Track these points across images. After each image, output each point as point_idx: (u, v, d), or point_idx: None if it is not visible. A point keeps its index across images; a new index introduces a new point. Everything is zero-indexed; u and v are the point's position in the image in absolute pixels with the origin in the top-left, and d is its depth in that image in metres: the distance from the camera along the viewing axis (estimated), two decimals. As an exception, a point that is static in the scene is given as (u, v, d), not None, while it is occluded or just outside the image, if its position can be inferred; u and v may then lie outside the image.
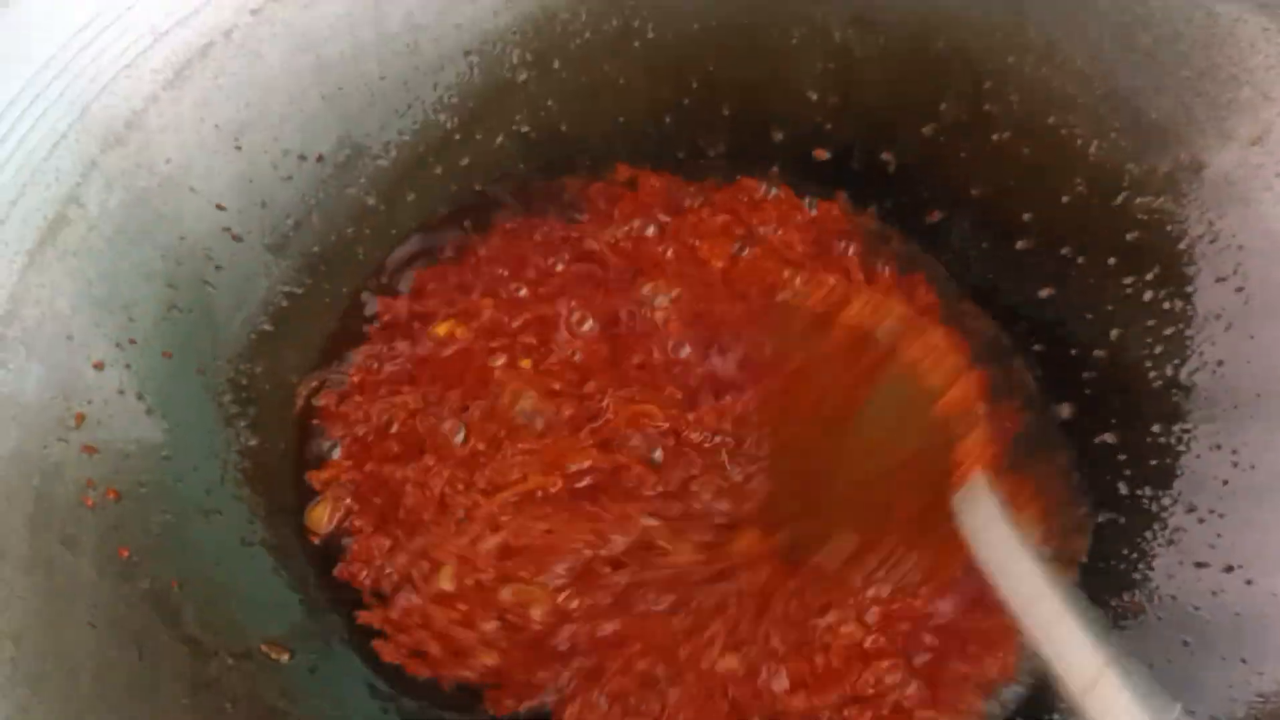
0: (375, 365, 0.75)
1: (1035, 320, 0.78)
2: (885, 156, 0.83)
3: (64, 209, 0.62)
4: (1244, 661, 0.62)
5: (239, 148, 0.70)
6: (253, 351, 0.72)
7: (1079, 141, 0.74)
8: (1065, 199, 0.76)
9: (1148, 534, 0.70)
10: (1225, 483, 0.67)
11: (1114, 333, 0.74)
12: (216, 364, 0.70)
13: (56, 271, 0.61)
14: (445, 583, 0.67)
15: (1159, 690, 0.45)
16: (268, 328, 0.73)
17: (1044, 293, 0.78)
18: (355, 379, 0.75)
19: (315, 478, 0.72)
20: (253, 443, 0.71)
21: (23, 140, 0.60)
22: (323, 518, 0.71)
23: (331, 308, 0.77)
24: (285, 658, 0.65)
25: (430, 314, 0.76)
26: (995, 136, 0.78)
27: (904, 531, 0.58)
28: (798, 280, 0.64)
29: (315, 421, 0.75)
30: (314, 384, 0.76)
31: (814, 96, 0.82)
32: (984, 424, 0.53)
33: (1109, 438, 0.73)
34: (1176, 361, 0.70)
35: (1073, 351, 0.76)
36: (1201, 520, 0.68)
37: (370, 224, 0.78)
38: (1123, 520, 0.71)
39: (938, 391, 0.53)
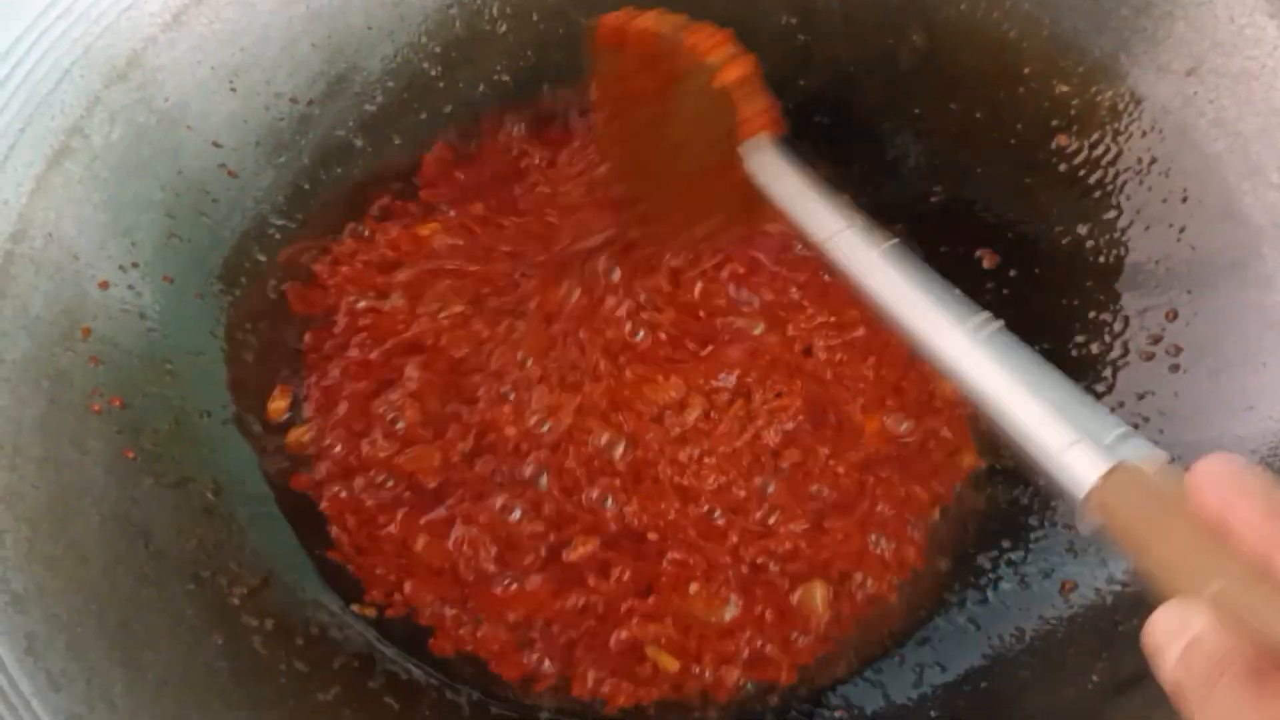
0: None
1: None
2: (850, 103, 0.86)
3: (69, 139, 0.66)
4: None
5: (234, 89, 0.74)
6: (248, 280, 0.76)
7: (1028, 81, 0.78)
8: (1013, 140, 0.80)
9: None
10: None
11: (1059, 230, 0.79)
12: (214, 289, 0.74)
13: (62, 197, 0.65)
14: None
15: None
16: (261, 258, 0.77)
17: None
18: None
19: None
20: (247, 362, 0.75)
21: (30, 73, 0.64)
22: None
23: (319, 241, 0.81)
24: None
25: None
26: (950, 80, 0.81)
27: (707, 198, 0.71)
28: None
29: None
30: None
31: (779, 47, 0.86)
32: (761, 93, 0.63)
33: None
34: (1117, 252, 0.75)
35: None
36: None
37: (358, 163, 0.82)
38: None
39: (715, 68, 0.63)
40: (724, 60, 0.64)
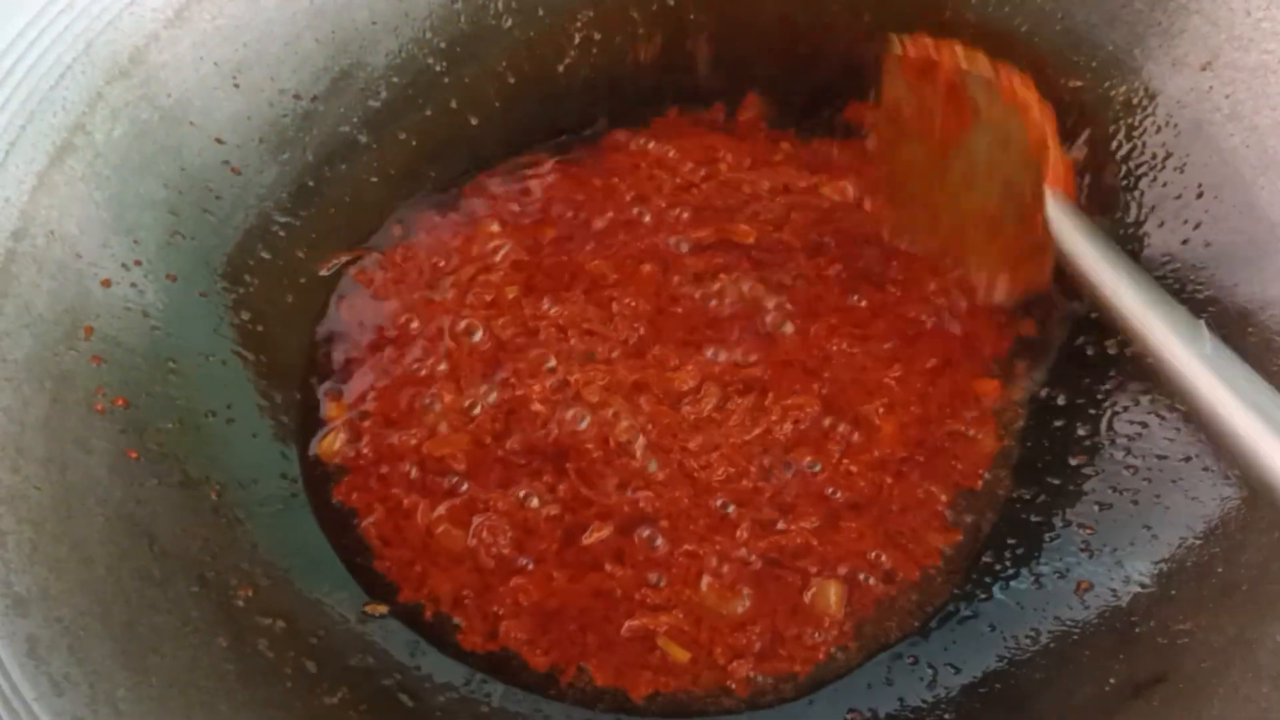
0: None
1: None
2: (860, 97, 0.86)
3: (71, 136, 0.65)
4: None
5: (237, 86, 0.73)
6: (252, 278, 0.75)
7: (1041, 76, 0.77)
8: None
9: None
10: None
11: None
12: (218, 288, 0.73)
13: (65, 194, 0.64)
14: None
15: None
16: (265, 256, 0.77)
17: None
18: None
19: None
20: (253, 362, 0.74)
21: (31, 70, 0.64)
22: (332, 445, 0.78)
23: (324, 238, 0.80)
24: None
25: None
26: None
27: (988, 242, 0.72)
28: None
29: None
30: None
31: (793, 42, 0.85)
32: (1062, 150, 0.64)
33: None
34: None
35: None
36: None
37: (362, 160, 0.81)
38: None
39: (1026, 124, 0.64)
40: (1035, 110, 0.64)
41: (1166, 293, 0.59)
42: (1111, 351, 0.75)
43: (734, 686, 0.72)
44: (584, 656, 0.72)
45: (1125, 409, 0.73)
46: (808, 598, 0.72)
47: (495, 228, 0.85)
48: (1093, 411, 0.74)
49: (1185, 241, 0.71)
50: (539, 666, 0.72)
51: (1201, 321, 0.57)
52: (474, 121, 0.86)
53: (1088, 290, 0.62)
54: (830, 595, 0.72)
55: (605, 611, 0.72)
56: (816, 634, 0.72)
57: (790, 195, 0.86)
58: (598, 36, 0.85)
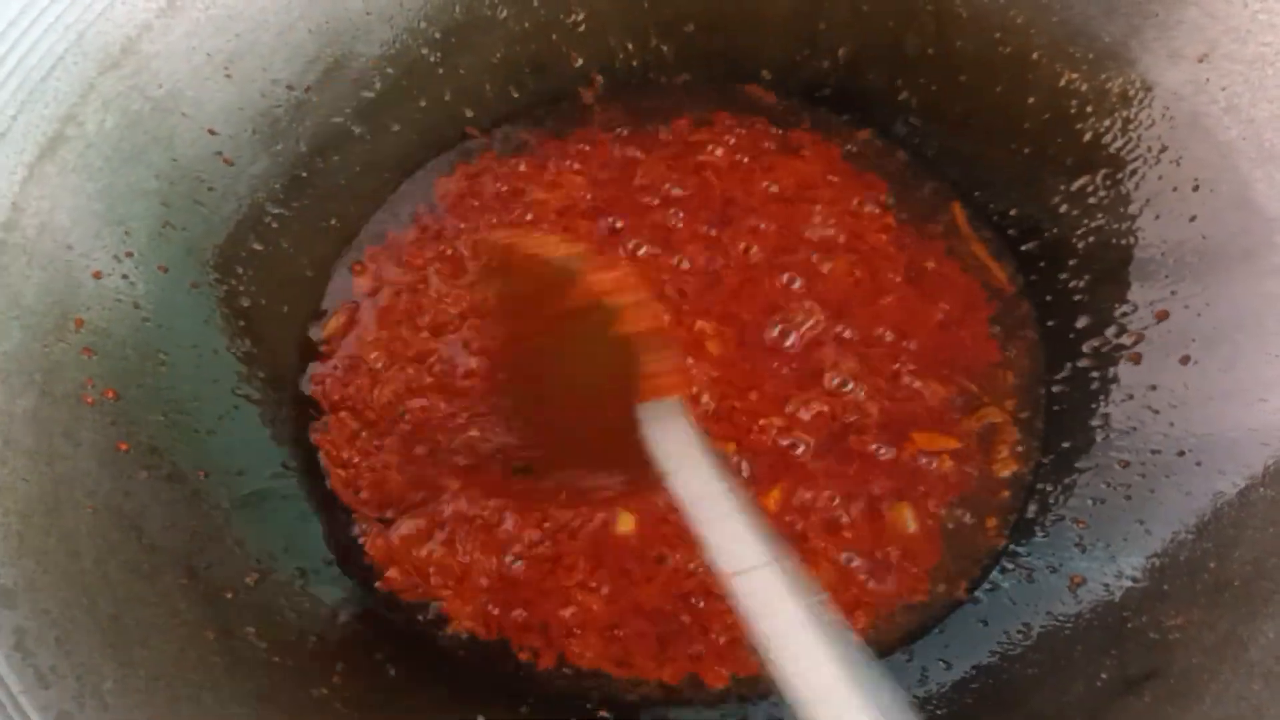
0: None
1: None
2: (861, 84, 0.85)
3: (63, 127, 0.65)
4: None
5: (229, 76, 0.73)
6: (244, 269, 0.75)
7: (1038, 66, 0.76)
8: (1021, 126, 0.78)
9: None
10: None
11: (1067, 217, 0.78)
12: (210, 279, 0.73)
13: (56, 185, 0.64)
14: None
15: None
16: (257, 247, 0.76)
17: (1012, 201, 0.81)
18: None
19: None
20: (244, 352, 0.74)
21: (23, 59, 0.63)
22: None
23: (316, 229, 0.80)
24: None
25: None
26: (958, 65, 0.80)
27: (603, 449, 0.60)
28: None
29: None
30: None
31: (788, 32, 0.85)
32: (671, 348, 0.53)
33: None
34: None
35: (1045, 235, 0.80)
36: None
37: (355, 152, 0.81)
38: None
39: (618, 316, 0.53)
40: (627, 304, 0.53)
41: (771, 541, 0.48)
42: (1108, 345, 0.74)
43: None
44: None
45: (1119, 403, 0.72)
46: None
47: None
48: (1090, 404, 0.74)
49: (1181, 235, 0.71)
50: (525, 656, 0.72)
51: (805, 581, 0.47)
52: (469, 113, 0.85)
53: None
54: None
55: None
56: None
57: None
58: (593, 28, 0.84)
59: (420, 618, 0.74)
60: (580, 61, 0.87)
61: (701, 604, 0.72)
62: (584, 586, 0.73)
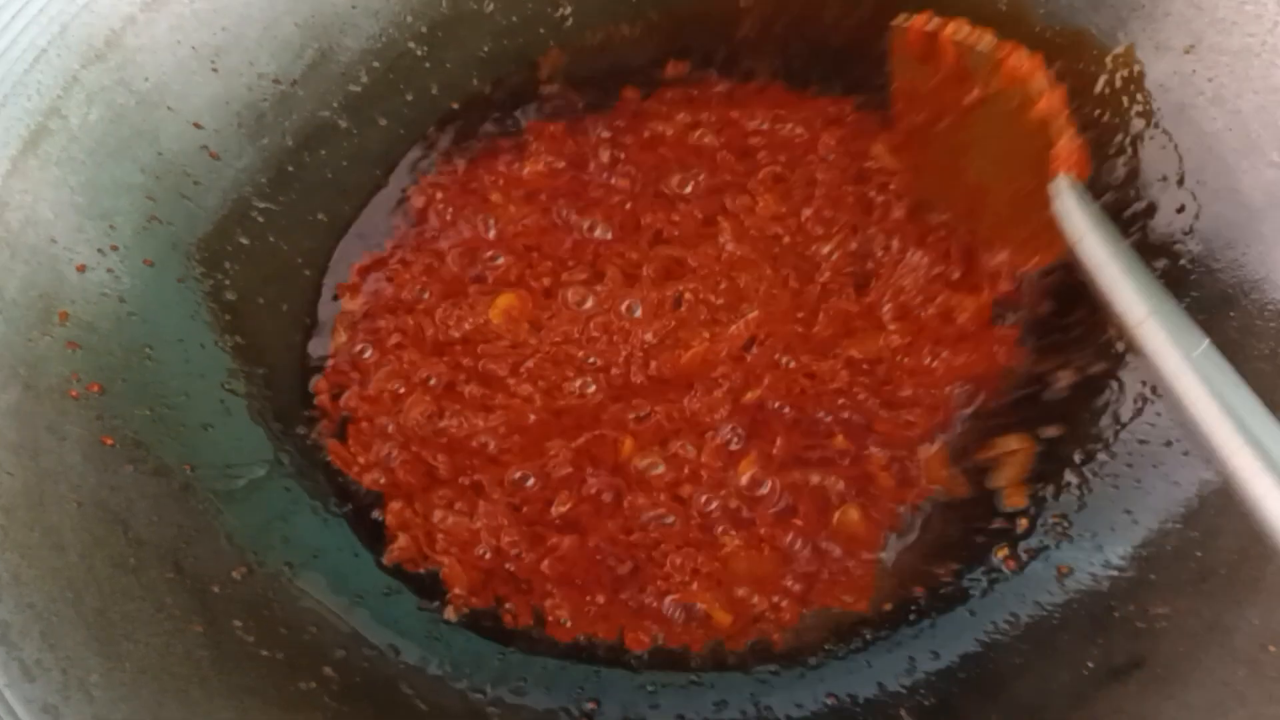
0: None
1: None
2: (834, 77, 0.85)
3: (46, 120, 0.65)
4: None
5: (215, 70, 0.73)
6: (230, 264, 0.75)
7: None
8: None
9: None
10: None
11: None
12: (195, 273, 0.73)
13: (39, 179, 0.64)
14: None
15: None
16: (244, 241, 0.76)
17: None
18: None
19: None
20: (230, 348, 0.74)
21: (4, 53, 0.63)
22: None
23: (303, 224, 0.80)
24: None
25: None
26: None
27: (1008, 221, 0.71)
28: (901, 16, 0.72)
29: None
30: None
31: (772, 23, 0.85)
32: (1073, 129, 0.62)
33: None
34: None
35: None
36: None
37: (342, 145, 0.81)
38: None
39: (1031, 100, 0.62)
40: (1041, 89, 0.63)
41: (1165, 291, 0.57)
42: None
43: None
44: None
45: (1107, 394, 0.72)
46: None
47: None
48: (1077, 394, 0.74)
49: (1168, 225, 0.71)
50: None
51: (1197, 327, 0.55)
52: (455, 106, 0.85)
53: (1087, 276, 0.60)
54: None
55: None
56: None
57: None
58: (580, 20, 0.84)
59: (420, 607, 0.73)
60: (564, 56, 0.86)
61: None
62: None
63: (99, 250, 0.67)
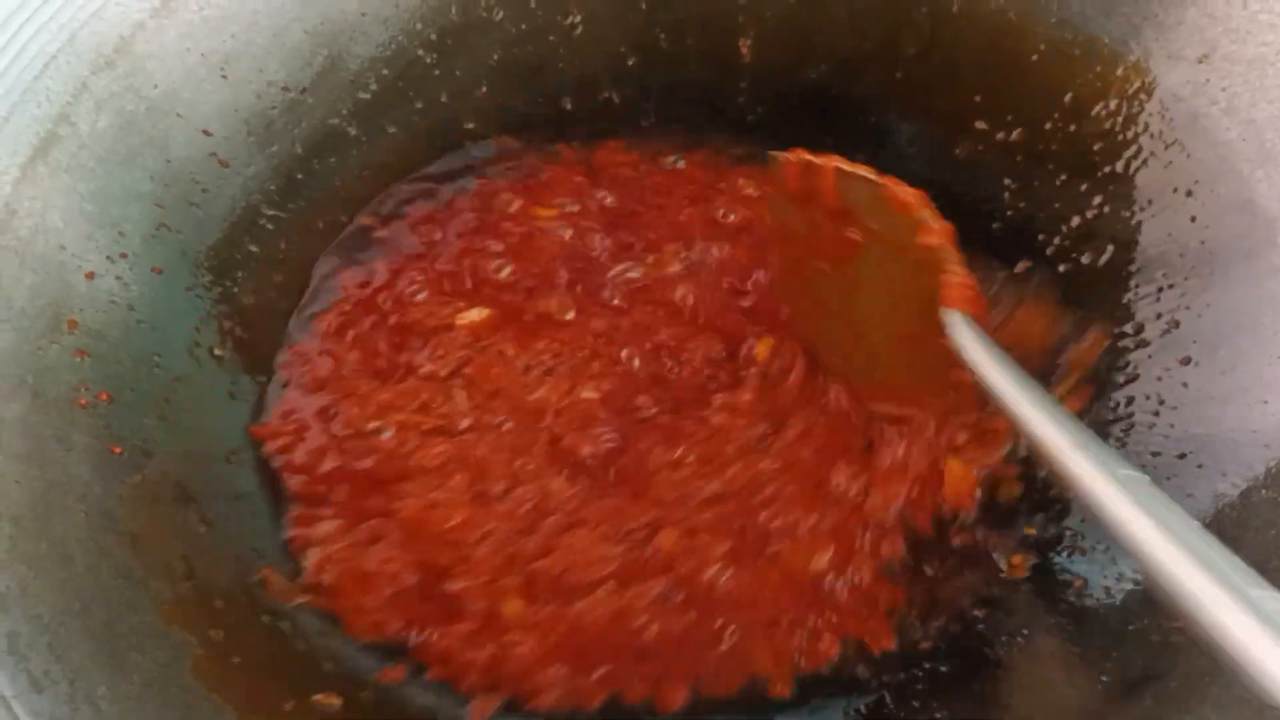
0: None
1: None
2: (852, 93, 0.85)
3: (55, 127, 0.64)
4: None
5: (224, 77, 0.73)
6: (239, 271, 0.75)
7: (1034, 68, 0.76)
8: (1019, 128, 0.78)
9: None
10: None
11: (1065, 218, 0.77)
12: (204, 281, 0.73)
13: (48, 186, 0.64)
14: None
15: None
16: (253, 249, 0.76)
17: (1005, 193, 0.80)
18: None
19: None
20: (239, 356, 0.74)
21: (15, 60, 0.63)
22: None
23: (312, 232, 0.79)
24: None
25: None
26: (954, 66, 0.80)
27: (898, 358, 0.67)
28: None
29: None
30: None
31: (783, 36, 0.85)
32: (962, 264, 0.58)
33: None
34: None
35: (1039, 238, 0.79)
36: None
37: (351, 153, 0.80)
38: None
39: (915, 233, 0.59)
40: (925, 220, 0.60)
41: (1078, 424, 0.52)
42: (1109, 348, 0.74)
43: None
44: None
45: (1120, 405, 0.72)
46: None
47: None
48: (1089, 405, 0.73)
49: (1181, 236, 0.70)
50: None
51: (1114, 451, 0.54)
52: (464, 114, 0.85)
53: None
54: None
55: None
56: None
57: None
58: (590, 30, 0.84)
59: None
60: (576, 66, 0.86)
61: None
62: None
63: (108, 258, 0.66)
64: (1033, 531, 0.73)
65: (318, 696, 0.64)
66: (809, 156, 0.65)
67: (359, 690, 0.66)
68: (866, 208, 0.62)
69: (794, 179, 0.66)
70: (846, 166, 0.62)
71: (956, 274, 0.58)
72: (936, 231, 0.59)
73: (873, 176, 0.61)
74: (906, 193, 0.60)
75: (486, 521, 0.70)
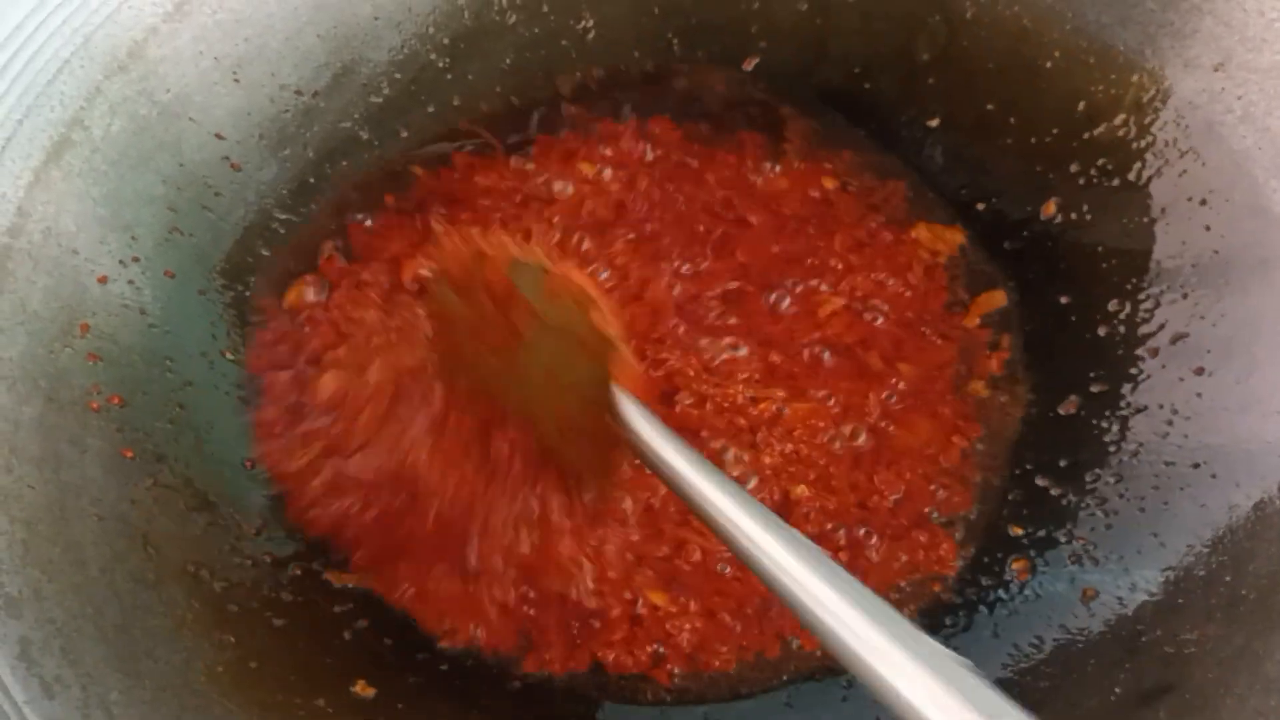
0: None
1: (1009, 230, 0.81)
2: (863, 94, 0.85)
3: (68, 131, 0.64)
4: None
5: (237, 81, 0.73)
6: (251, 275, 0.75)
7: (1049, 75, 0.76)
8: (1032, 136, 0.78)
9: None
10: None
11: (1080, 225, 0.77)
12: (216, 285, 0.73)
13: (62, 190, 0.64)
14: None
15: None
16: (265, 253, 0.76)
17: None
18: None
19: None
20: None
21: (28, 64, 0.63)
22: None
23: (325, 235, 0.79)
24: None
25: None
26: (968, 73, 0.79)
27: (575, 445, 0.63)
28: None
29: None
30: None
31: (796, 42, 0.84)
32: (628, 342, 0.56)
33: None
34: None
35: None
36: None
37: (363, 157, 0.80)
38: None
39: (585, 311, 0.57)
40: (593, 298, 0.57)
41: (740, 490, 0.49)
42: (1121, 352, 0.73)
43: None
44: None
45: (1133, 414, 0.72)
46: None
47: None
48: (1103, 415, 0.73)
49: (1195, 244, 0.70)
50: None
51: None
52: (478, 118, 0.85)
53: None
54: None
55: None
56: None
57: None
58: (603, 34, 0.83)
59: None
60: (591, 67, 0.86)
61: None
62: None
63: (121, 262, 0.66)
64: (1047, 542, 0.72)
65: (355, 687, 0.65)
66: (479, 240, 0.62)
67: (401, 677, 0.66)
68: (532, 286, 0.59)
69: (455, 255, 0.63)
70: (518, 252, 0.60)
71: (625, 356, 0.56)
72: (601, 310, 0.57)
73: (537, 255, 0.59)
74: (571, 271, 0.58)
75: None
